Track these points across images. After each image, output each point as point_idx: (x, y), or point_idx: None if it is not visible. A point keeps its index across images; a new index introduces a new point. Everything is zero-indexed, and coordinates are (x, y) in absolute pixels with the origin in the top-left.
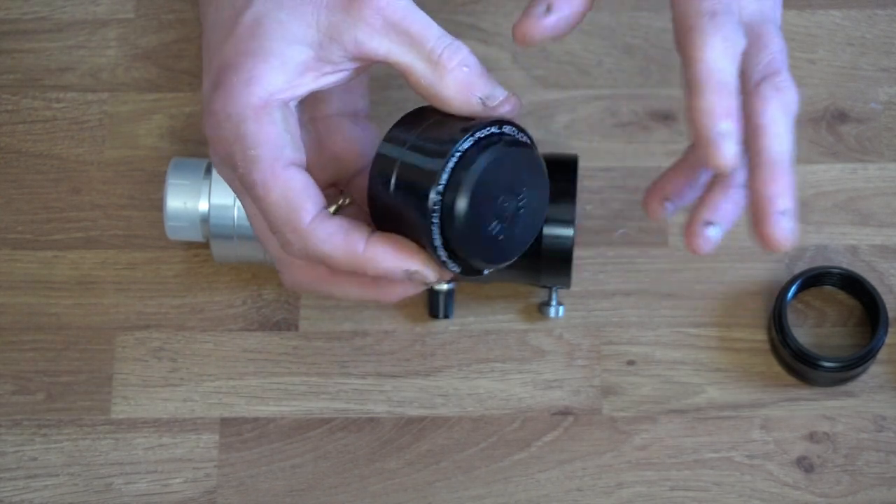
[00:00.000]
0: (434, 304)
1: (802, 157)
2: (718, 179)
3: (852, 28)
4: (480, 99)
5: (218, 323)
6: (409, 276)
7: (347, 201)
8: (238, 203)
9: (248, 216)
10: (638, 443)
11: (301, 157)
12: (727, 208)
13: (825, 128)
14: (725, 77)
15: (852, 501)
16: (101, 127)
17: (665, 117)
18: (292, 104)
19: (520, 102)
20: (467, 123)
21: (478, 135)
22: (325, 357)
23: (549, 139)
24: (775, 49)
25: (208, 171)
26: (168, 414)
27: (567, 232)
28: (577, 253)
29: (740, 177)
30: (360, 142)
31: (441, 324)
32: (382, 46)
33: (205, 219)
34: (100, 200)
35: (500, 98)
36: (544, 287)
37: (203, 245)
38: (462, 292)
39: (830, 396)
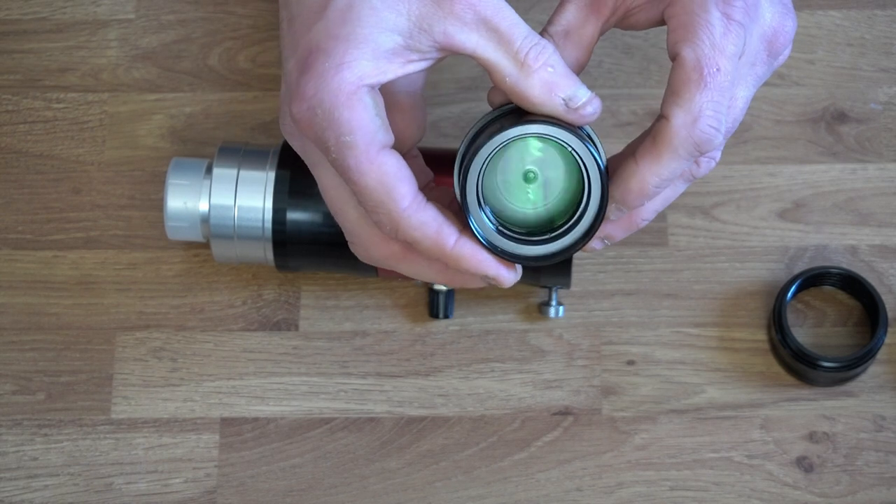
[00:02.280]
0: (434, 304)
1: (802, 157)
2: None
3: (852, 28)
4: (563, 99)
5: (218, 323)
6: (486, 281)
7: None
8: (238, 203)
9: (322, 188)
10: (638, 443)
11: (391, 139)
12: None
13: (825, 128)
14: (663, 183)
15: (852, 501)
16: (101, 127)
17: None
18: (378, 88)
19: (601, 104)
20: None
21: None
22: (325, 357)
23: None
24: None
25: (208, 171)
26: (168, 414)
27: None
28: (577, 253)
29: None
30: (416, 119)
31: (441, 324)
32: (470, 41)
33: (205, 219)
34: (100, 200)
35: (583, 99)
36: (544, 287)
37: (203, 245)
38: (462, 292)
39: (830, 396)
